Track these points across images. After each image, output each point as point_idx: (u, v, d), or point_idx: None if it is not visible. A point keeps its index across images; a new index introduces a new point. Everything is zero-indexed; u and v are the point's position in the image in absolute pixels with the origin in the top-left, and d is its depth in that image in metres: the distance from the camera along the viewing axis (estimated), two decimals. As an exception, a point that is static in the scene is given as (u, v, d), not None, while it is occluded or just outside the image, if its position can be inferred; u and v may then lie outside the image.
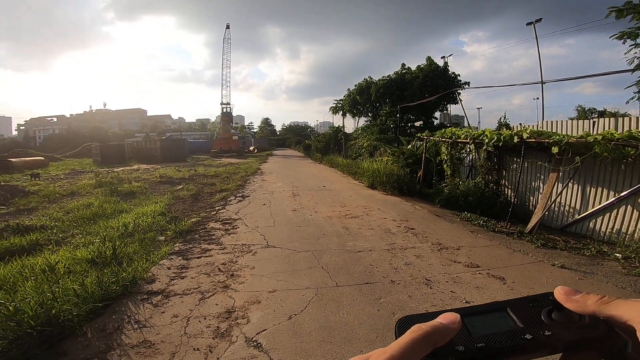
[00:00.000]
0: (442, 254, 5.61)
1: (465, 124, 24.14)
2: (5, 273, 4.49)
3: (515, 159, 8.94)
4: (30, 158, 25.28)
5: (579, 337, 0.39)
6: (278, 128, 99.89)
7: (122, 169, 21.28)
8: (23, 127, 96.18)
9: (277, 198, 10.91)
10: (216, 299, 4.08)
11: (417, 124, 21.73)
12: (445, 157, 10.83)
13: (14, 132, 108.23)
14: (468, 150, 10.74)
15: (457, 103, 25.86)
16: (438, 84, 24.79)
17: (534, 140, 7.22)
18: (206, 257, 5.59)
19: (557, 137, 6.77)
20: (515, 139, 7.57)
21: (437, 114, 29.79)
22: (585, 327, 0.40)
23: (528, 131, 7.45)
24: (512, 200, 8.24)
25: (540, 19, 22.84)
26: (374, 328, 3.42)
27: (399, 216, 8.20)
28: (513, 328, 0.41)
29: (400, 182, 11.53)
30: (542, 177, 8.18)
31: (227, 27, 49.65)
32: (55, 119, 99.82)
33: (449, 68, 26.79)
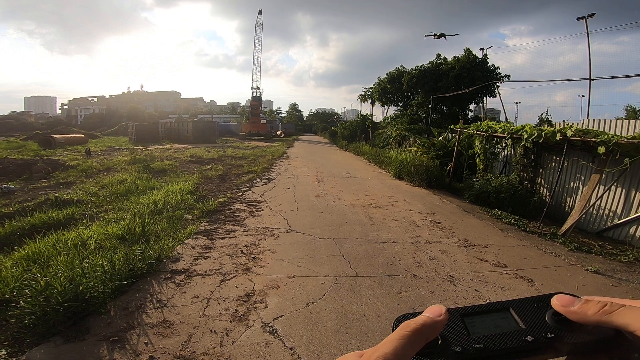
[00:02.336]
0: (469, 250, 5.41)
1: (502, 118, 22.96)
2: (40, 247, 4.67)
3: (554, 157, 8.42)
4: (71, 135, 26.54)
5: (584, 340, 0.38)
6: (305, 114, 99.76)
7: (155, 147, 22.02)
8: (66, 106, 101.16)
9: (302, 183, 10.93)
10: (237, 282, 4.14)
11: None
12: (478, 151, 10.37)
13: (58, 111, 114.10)
14: (504, 145, 10.22)
15: (494, 96, 24.61)
16: (475, 76, 23.62)
17: (578, 138, 6.72)
18: (230, 238, 5.68)
19: (605, 136, 6.27)
20: (558, 136, 7.09)
21: (472, 107, 28.55)
22: (592, 330, 0.38)
23: (573, 129, 6.95)
24: (548, 200, 7.80)
25: (594, 14, 21.10)
26: (391, 322, 3.31)
27: (426, 209, 7.98)
28: (514, 329, 0.40)
29: (428, 174, 11.19)
30: (583, 178, 7.68)
31: (260, 12, 49.64)
32: (95, 99, 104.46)
33: (488, 60, 25.44)
